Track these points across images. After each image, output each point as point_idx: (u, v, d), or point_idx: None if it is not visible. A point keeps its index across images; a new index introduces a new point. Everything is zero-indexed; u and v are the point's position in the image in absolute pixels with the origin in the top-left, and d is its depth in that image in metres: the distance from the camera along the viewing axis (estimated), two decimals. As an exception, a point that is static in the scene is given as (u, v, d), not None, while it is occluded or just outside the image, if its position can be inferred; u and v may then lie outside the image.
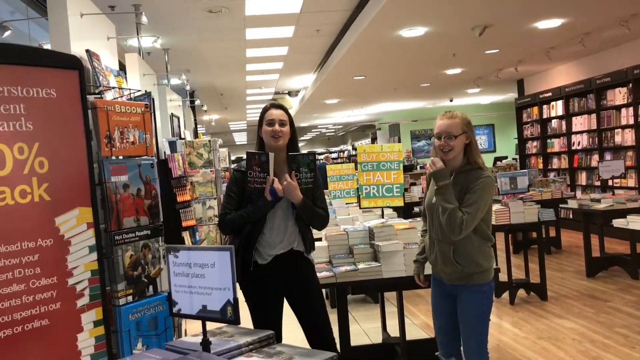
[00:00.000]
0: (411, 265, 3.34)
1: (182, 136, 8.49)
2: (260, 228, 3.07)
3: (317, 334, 3.14)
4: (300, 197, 3.04)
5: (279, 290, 3.17)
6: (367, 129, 27.19)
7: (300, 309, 3.20)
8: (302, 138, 33.03)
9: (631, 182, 9.10)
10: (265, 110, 3.16)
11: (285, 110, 3.20)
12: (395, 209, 5.39)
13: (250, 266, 3.07)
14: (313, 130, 28.72)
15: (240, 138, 31.19)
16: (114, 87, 3.61)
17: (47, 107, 2.82)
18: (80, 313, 2.88)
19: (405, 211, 7.41)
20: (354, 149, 28.35)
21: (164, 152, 6.24)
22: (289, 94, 14.79)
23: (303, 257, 3.20)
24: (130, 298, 3.12)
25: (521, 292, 6.18)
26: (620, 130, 9.49)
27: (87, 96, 3.06)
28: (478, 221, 2.88)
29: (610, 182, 7.50)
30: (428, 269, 3.23)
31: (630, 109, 9.12)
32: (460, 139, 2.94)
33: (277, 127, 3.09)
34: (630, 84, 9.03)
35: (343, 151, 31.98)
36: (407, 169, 13.41)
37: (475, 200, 2.86)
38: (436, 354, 3.23)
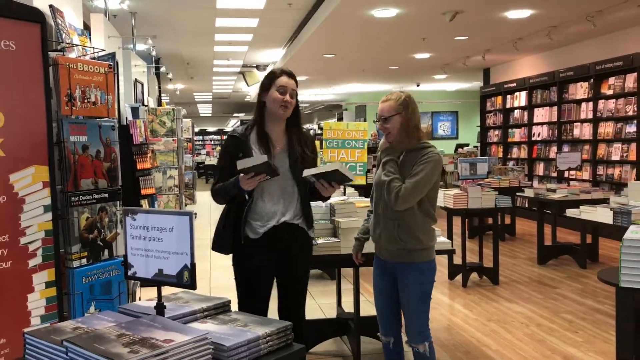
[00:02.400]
0: (370, 244, 3.31)
1: (146, 103, 8.33)
2: (251, 196, 2.85)
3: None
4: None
5: (270, 271, 2.95)
6: (333, 109, 27.17)
7: (282, 290, 3.06)
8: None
9: (586, 175, 9.37)
10: (276, 76, 2.90)
11: (296, 80, 2.98)
12: (357, 187, 5.43)
13: (240, 239, 2.85)
14: (279, 106, 28.53)
15: (205, 110, 30.76)
16: (77, 45, 3.50)
17: (4, 60, 2.72)
18: (32, 273, 2.82)
19: (367, 190, 7.47)
20: (320, 128, 28.31)
21: (126, 118, 6.11)
22: (257, 67, 14.62)
23: (302, 232, 2.96)
24: (84, 261, 3.07)
25: (474, 276, 6.33)
26: (579, 124, 9.73)
27: (49, 52, 2.96)
28: (421, 194, 2.91)
29: (566, 174, 7.72)
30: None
31: (590, 104, 9.35)
32: (394, 120, 2.96)
33: (288, 97, 2.88)
34: (592, 79, 9.25)
35: (309, 130, 31.91)
36: (372, 150, 13.49)
37: (418, 172, 2.89)
38: (377, 333, 3.29)
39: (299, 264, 3.01)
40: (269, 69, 14.72)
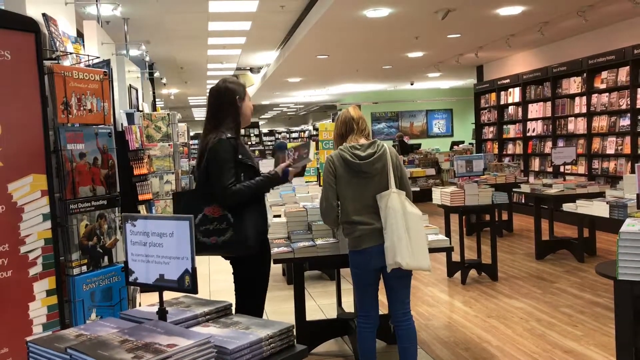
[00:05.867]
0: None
1: (140, 108, 8.32)
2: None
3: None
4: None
5: None
6: (328, 110, 27.19)
7: None
8: (262, 116, 32.77)
9: (581, 169, 9.41)
10: (245, 87, 3.28)
11: None
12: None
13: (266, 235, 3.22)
14: (274, 108, 28.54)
15: (200, 114, 30.74)
16: (71, 53, 3.51)
17: (0, 69, 2.73)
18: (33, 282, 2.83)
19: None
20: (315, 129, 28.34)
21: (121, 124, 6.11)
22: (251, 70, 14.63)
23: None
24: (84, 268, 3.07)
25: (473, 272, 6.35)
26: (573, 118, 9.77)
27: (44, 61, 2.97)
28: (325, 196, 3.41)
29: (561, 169, 7.74)
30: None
31: (584, 98, 9.39)
32: None
33: None
34: (585, 74, 9.29)
35: (304, 131, 31.92)
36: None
37: None
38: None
39: None
40: (262, 72, 14.73)
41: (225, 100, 3.16)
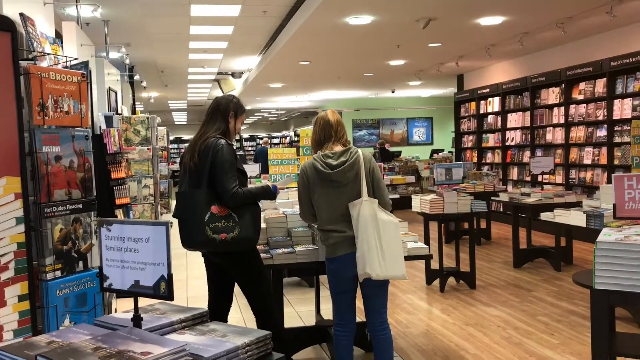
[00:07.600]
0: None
1: (119, 111, 8.24)
2: None
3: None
4: None
5: None
6: (310, 116, 27.20)
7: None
8: (244, 121, 32.68)
9: (559, 179, 9.52)
10: (244, 112, 3.56)
11: None
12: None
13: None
14: (256, 113, 28.47)
15: (180, 118, 30.54)
16: (49, 54, 3.45)
17: (-25, 69, 2.67)
18: (4, 287, 2.76)
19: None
20: (296, 135, 28.34)
21: (100, 127, 6.04)
22: (233, 75, 14.57)
23: None
24: (58, 273, 3.01)
25: (451, 280, 6.37)
26: (551, 128, 9.89)
27: (20, 61, 2.91)
28: (303, 207, 3.45)
29: (540, 178, 7.81)
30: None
31: (562, 109, 9.51)
32: None
33: None
34: (563, 85, 9.41)
35: (285, 137, 31.91)
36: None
37: None
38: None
39: None
40: (244, 76, 14.69)
41: (229, 110, 3.45)
